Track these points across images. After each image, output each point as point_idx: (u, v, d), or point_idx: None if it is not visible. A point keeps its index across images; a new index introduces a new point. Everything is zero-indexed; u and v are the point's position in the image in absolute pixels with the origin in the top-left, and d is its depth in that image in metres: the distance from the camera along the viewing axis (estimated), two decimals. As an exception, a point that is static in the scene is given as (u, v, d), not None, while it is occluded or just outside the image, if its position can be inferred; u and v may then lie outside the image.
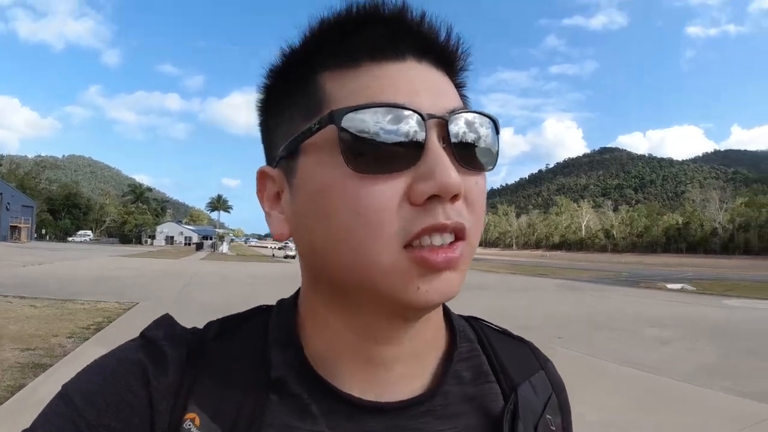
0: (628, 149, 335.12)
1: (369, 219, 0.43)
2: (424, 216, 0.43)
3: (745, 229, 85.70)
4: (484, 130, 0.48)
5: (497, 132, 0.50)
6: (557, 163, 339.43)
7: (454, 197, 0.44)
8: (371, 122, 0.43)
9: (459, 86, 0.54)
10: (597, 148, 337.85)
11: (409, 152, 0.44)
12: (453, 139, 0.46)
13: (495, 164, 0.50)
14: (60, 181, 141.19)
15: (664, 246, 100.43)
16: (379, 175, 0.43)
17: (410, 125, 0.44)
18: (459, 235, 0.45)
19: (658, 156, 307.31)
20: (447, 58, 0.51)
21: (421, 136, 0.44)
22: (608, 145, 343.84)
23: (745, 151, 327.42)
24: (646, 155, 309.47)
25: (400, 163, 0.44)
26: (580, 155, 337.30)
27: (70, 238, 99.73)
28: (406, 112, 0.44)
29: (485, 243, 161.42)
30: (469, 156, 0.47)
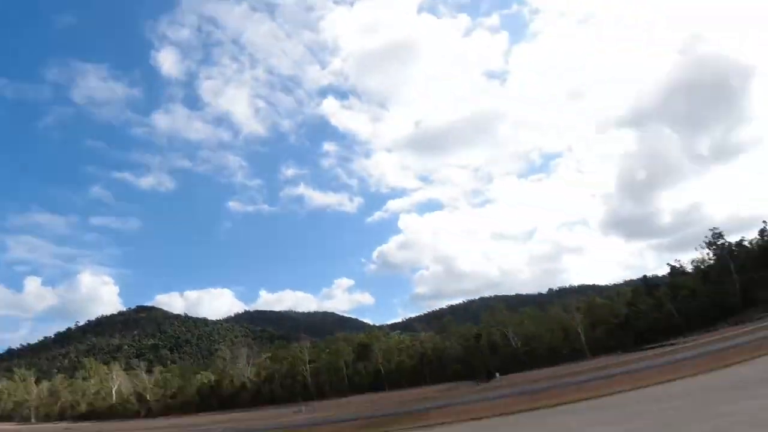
0: (165, 308, 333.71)
1: None
2: None
3: (270, 382, 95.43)
4: None
5: None
6: (89, 321, 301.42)
7: None
8: None
9: None
10: (133, 307, 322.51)
11: None
12: None
13: None
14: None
15: (197, 405, 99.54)
16: None
17: None
18: None
19: (194, 316, 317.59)
20: None
21: None
22: (145, 304, 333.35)
23: (270, 311, 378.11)
24: (183, 315, 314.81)
25: None
26: (115, 313, 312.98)
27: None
28: None
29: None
30: None
